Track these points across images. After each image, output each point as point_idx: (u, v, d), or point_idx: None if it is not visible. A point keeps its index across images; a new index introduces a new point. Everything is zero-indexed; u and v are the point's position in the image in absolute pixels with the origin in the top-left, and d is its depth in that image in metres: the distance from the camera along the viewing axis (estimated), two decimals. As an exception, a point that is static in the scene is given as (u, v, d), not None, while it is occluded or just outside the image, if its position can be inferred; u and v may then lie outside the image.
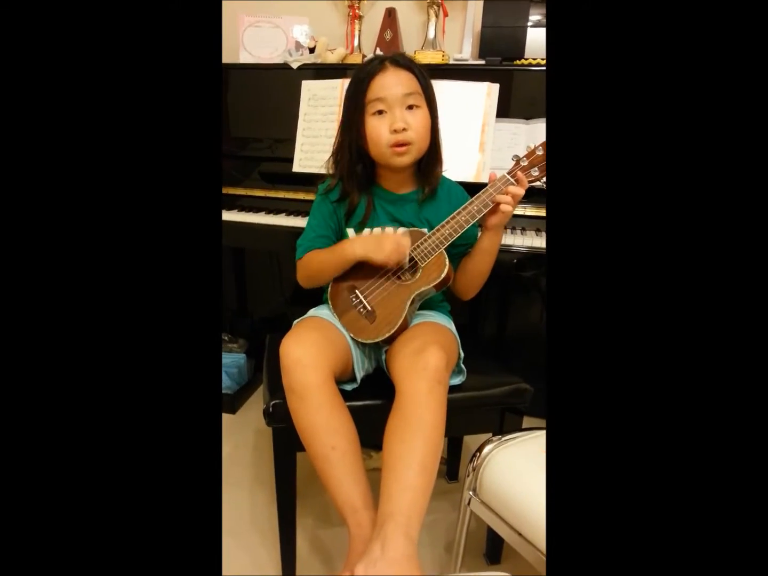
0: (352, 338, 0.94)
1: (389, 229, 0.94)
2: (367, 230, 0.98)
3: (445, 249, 0.90)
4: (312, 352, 0.83)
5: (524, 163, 0.89)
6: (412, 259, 0.92)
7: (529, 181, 0.90)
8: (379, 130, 0.90)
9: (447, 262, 0.90)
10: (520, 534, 0.74)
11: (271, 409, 0.87)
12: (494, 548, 1.04)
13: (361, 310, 0.94)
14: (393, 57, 0.92)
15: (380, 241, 0.89)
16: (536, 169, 0.89)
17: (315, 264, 0.97)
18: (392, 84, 0.89)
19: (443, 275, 0.90)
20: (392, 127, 0.89)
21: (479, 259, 0.96)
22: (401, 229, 0.96)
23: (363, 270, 0.95)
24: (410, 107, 0.90)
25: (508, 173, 0.89)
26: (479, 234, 0.97)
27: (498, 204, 0.88)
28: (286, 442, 0.90)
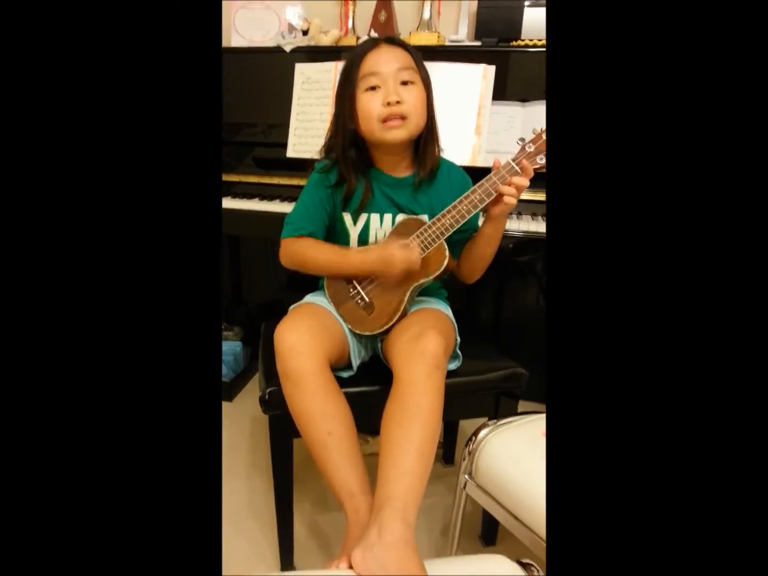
0: (350, 328, 0.93)
1: (392, 246, 0.88)
2: (364, 215, 0.95)
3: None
4: (306, 339, 0.83)
5: (530, 149, 0.84)
6: None
7: (535, 170, 0.85)
8: (371, 104, 0.87)
9: (447, 254, 0.88)
10: (515, 516, 0.75)
11: (267, 397, 0.87)
12: (490, 531, 1.05)
13: (359, 301, 0.93)
14: (387, 37, 0.90)
15: (390, 263, 0.86)
16: (542, 156, 0.83)
17: (314, 259, 0.94)
18: (386, 59, 0.87)
19: (443, 267, 0.88)
20: (386, 99, 0.86)
21: (482, 244, 0.94)
22: (400, 216, 0.94)
23: None
24: (404, 83, 0.88)
25: (513, 160, 0.85)
26: (482, 220, 0.95)
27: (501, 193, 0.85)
28: (283, 429, 0.90)
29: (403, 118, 0.88)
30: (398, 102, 0.86)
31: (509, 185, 0.84)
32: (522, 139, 0.85)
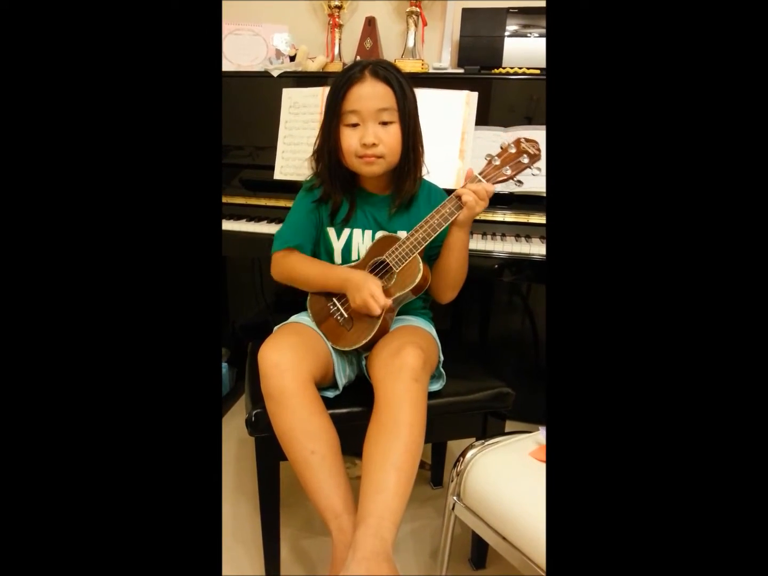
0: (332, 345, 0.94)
1: (376, 284, 0.89)
2: (347, 230, 0.99)
3: (421, 252, 0.90)
4: (289, 357, 0.83)
5: (497, 162, 0.90)
6: (387, 264, 0.92)
7: (501, 180, 0.90)
8: (350, 141, 0.92)
9: (421, 267, 0.90)
10: (504, 538, 0.75)
11: (253, 419, 0.87)
12: (479, 553, 1.04)
13: (338, 317, 0.95)
14: (374, 66, 0.91)
15: (359, 288, 0.88)
16: (508, 168, 0.89)
17: (301, 274, 0.98)
18: (367, 97, 0.90)
19: (418, 280, 0.90)
20: (362, 140, 0.90)
21: (446, 255, 0.96)
22: (379, 233, 0.98)
23: None
24: (383, 122, 0.91)
25: (480, 173, 0.90)
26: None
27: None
28: (269, 452, 0.89)
29: (379, 156, 0.92)
30: (374, 144, 0.90)
31: (472, 191, 0.87)
32: (489, 155, 0.91)
